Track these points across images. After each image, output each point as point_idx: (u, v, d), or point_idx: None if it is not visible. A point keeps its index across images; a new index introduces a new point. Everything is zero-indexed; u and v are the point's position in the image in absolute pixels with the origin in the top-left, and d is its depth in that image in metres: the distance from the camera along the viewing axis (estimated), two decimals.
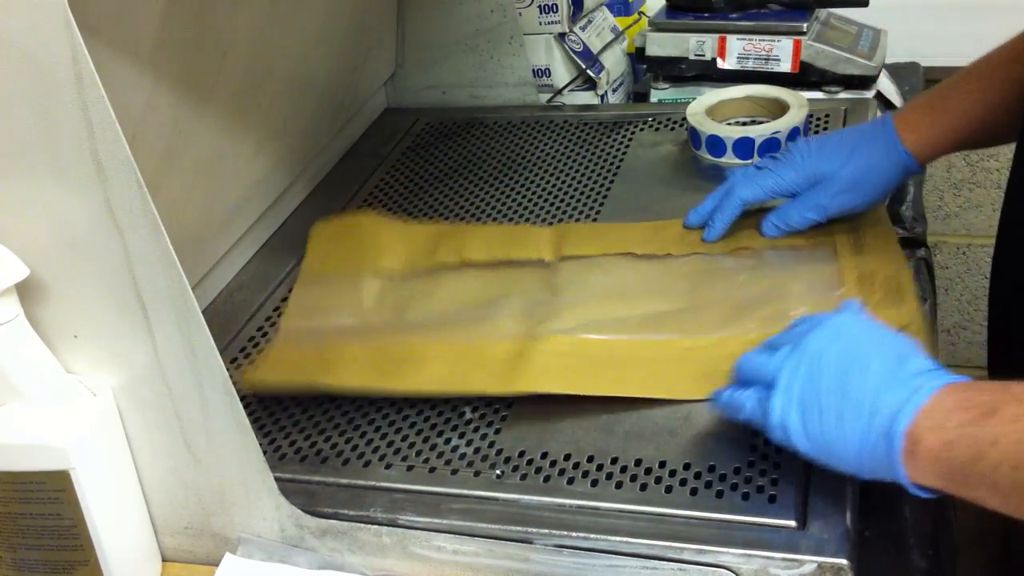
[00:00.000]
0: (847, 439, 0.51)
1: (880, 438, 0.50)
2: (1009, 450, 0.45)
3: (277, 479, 0.58)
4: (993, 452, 0.46)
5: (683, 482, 0.59)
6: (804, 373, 0.53)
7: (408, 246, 0.84)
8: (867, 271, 0.72)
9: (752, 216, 0.79)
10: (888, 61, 1.16)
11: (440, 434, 0.65)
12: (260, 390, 0.69)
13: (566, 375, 0.66)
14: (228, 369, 0.55)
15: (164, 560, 0.64)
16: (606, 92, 1.15)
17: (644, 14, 1.28)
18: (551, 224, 0.88)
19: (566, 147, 1.03)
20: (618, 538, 0.55)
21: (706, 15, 1.14)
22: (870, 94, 1.09)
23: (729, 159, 0.93)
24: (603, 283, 0.76)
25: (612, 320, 0.71)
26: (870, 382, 0.51)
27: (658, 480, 0.59)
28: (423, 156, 1.06)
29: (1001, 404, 0.47)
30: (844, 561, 0.52)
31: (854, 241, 0.76)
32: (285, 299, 0.83)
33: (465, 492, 0.60)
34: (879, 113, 1.07)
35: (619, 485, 0.59)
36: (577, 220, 0.89)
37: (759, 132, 0.91)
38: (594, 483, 0.59)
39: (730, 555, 0.53)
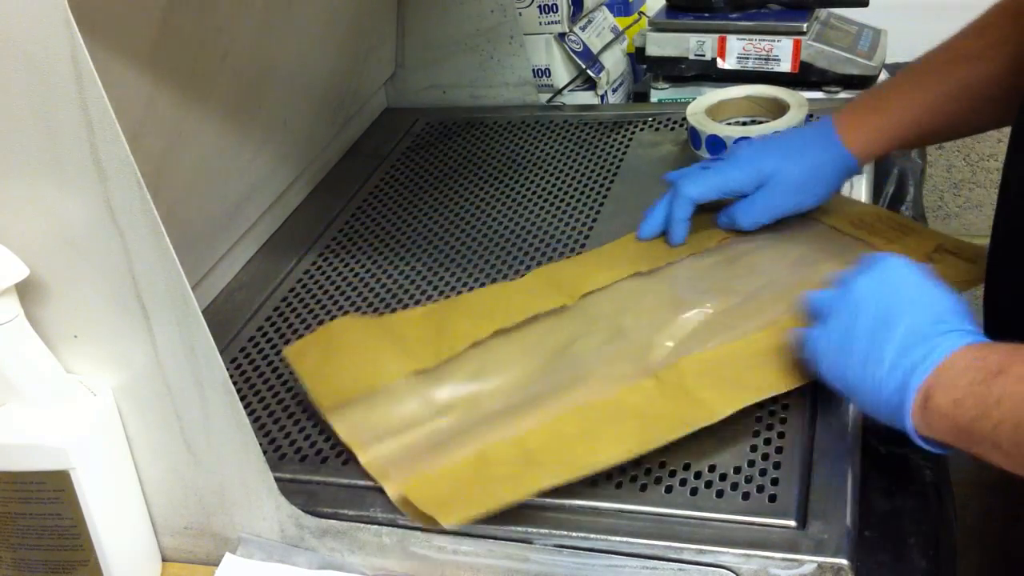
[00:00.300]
0: (867, 385, 0.55)
1: (895, 392, 0.53)
2: (1013, 408, 0.47)
3: (277, 479, 0.58)
4: (996, 411, 0.48)
5: (683, 482, 0.59)
6: (844, 315, 0.57)
7: (415, 338, 0.71)
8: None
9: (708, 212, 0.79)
10: (888, 61, 1.16)
11: None
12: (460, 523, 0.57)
13: (723, 389, 0.63)
14: (228, 369, 0.55)
15: (164, 560, 0.64)
16: (606, 92, 1.15)
17: (644, 14, 1.28)
18: (543, 252, 0.84)
19: (566, 147, 1.03)
20: (618, 538, 0.55)
21: (706, 15, 1.14)
22: None
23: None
24: (641, 305, 0.73)
25: (688, 334, 0.69)
26: (897, 337, 0.54)
27: (658, 480, 0.59)
28: (423, 156, 1.06)
29: (1009, 365, 0.49)
30: (844, 561, 0.52)
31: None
32: (285, 299, 0.83)
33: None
34: None
35: (619, 485, 0.59)
36: (577, 220, 0.89)
37: (759, 132, 0.91)
38: (594, 483, 0.59)
39: (730, 555, 0.53)
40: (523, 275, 0.79)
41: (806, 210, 0.77)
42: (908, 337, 0.54)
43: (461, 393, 0.65)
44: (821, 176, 0.75)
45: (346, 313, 0.80)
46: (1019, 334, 0.60)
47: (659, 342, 0.68)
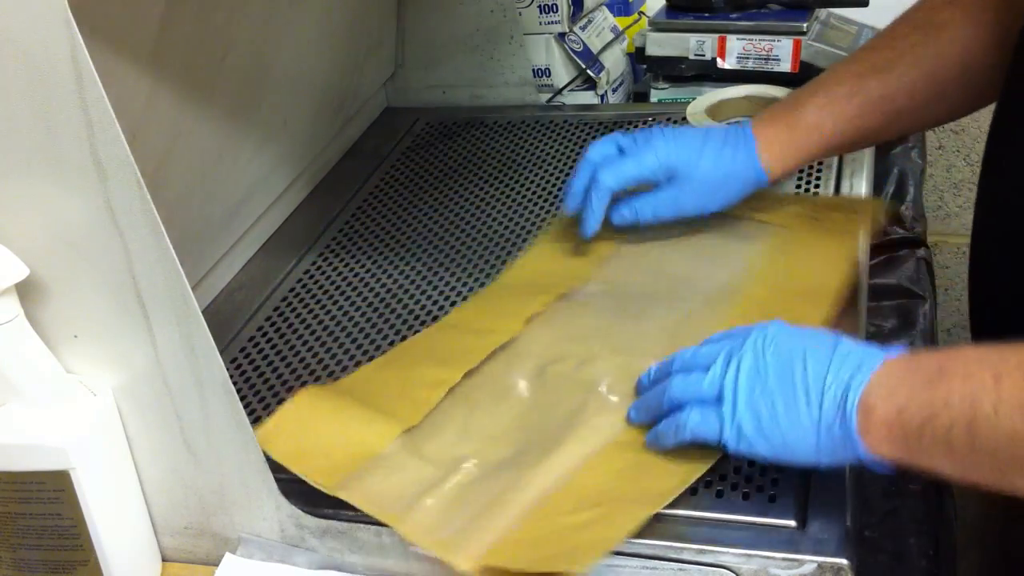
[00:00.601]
0: (803, 428, 0.52)
1: (834, 417, 0.51)
2: (963, 408, 0.46)
3: (277, 479, 0.58)
4: (946, 413, 0.46)
5: None
6: (747, 379, 0.54)
7: (384, 395, 0.67)
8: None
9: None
10: None
11: None
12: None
13: None
14: (228, 369, 0.55)
15: (164, 560, 0.64)
16: (606, 92, 1.15)
17: (644, 14, 1.28)
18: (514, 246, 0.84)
19: (566, 147, 1.03)
20: None
21: (706, 15, 1.14)
22: None
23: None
24: (585, 323, 0.73)
25: (648, 338, 0.69)
26: (813, 370, 0.52)
27: None
28: (423, 156, 1.06)
29: (950, 366, 0.48)
30: (844, 561, 0.52)
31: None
32: (285, 299, 0.83)
33: None
34: None
35: None
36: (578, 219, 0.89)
37: None
38: None
39: (730, 555, 0.53)
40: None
41: (707, 214, 0.77)
42: (825, 366, 0.52)
43: (464, 447, 0.62)
44: (731, 184, 0.75)
45: (345, 314, 0.80)
46: (1005, 326, 0.61)
47: (633, 362, 0.66)
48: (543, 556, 0.53)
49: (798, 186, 0.88)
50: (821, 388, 0.51)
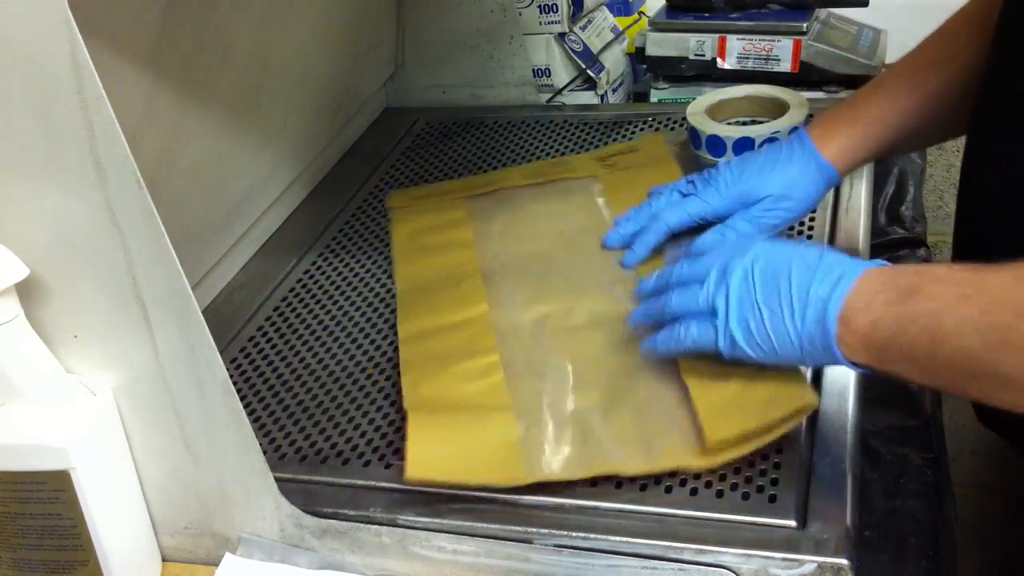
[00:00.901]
0: (788, 337, 0.56)
1: (816, 326, 0.55)
2: (928, 324, 0.50)
3: (277, 479, 0.58)
4: (912, 327, 0.51)
5: (683, 482, 0.59)
6: (736, 294, 0.59)
7: (461, 403, 0.68)
8: None
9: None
10: (888, 61, 1.16)
11: None
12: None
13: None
14: (228, 369, 0.55)
15: (164, 560, 0.64)
16: (606, 92, 1.15)
17: (644, 14, 1.28)
18: None
19: (566, 147, 1.03)
20: (618, 538, 0.55)
21: (706, 15, 1.14)
22: None
23: (729, 159, 0.92)
24: (520, 290, 0.78)
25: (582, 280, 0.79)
26: (798, 280, 0.56)
27: (658, 480, 0.59)
28: (423, 156, 1.06)
29: (921, 284, 0.51)
30: (844, 561, 0.52)
31: None
32: (285, 299, 0.83)
33: (465, 492, 0.60)
34: None
35: (619, 485, 0.59)
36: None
37: (759, 132, 0.91)
38: (594, 483, 0.59)
39: (730, 555, 0.53)
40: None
41: (791, 223, 0.78)
42: (809, 277, 0.56)
43: (564, 396, 0.66)
44: (801, 188, 0.76)
45: (345, 314, 0.80)
46: None
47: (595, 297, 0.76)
48: (756, 411, 0.60)
49: None
50: (804, 300, 0.56)
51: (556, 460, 0.61)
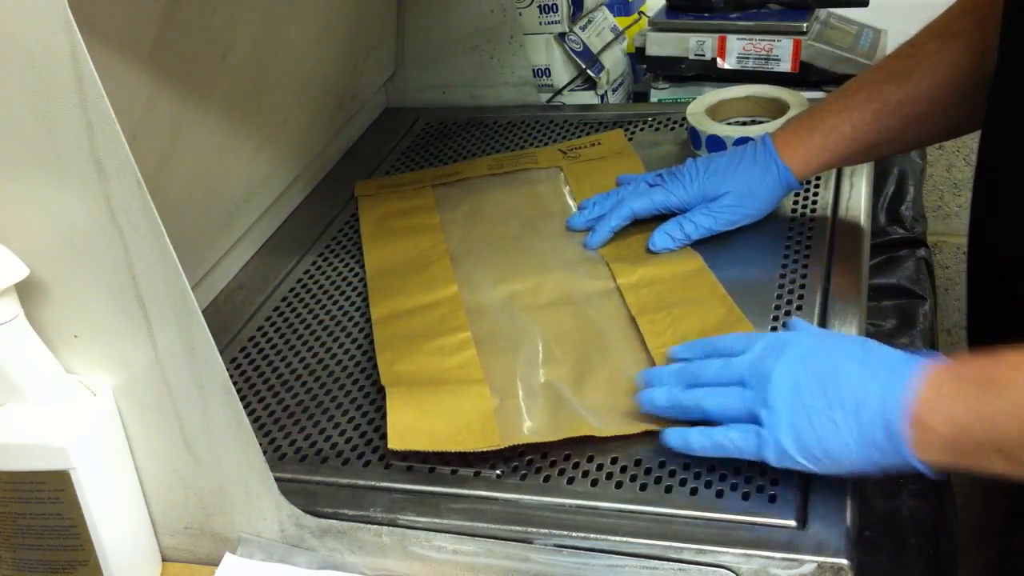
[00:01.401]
0: (844, 442, 0.52)
1: (876, 430, 0.51)
2: (1017, 413, 0.48)
3: (277, 479, 0.58)
4: (1000, 418, 0.48)
5: (683, 482, 0.59)
6: (782, 398, 0.55)
7: (437, 377, 0.70)
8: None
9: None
10: None
11: None
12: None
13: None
14: (228, 369, 0.55)
15: (164, 560, 0.64)
16: (606, 92, 1.15)
17: (644, 14, 1.28)
18: None
19: None
20: (618, 538, 0.55)
21: (706, 15, 1.14)
22: None
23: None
24: (487, 269, 0.82)
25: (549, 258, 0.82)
26: (850, 381, 0.53)
27: (658, 480, 0.59)
28: (423, 156, 1.06)
29: (998, 373, 0.49)
30: (844, 561, 0.52)
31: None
32: (285, 299, 0.84)
33: (465, 492, 0.60)
34: None
35: (619, 485, 0.59)
36: None
37: (759, 132, 0.91)
38: (594, 483, 0.59)
39: (730, 555, 0.53)
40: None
41: (749, 222, 0.80)
42: (861, 376, 0.53)
43: (534, 370, 0.69)
44: (761, 191, 0.78)
45: (345, 313, 0.80)
46: (1000, 327, 0.61)
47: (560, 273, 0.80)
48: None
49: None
50: (857, 402, 0.52)
51: (531, 425, 0.63)
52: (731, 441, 0.56)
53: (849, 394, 0.52)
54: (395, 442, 0.62)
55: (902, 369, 0.52)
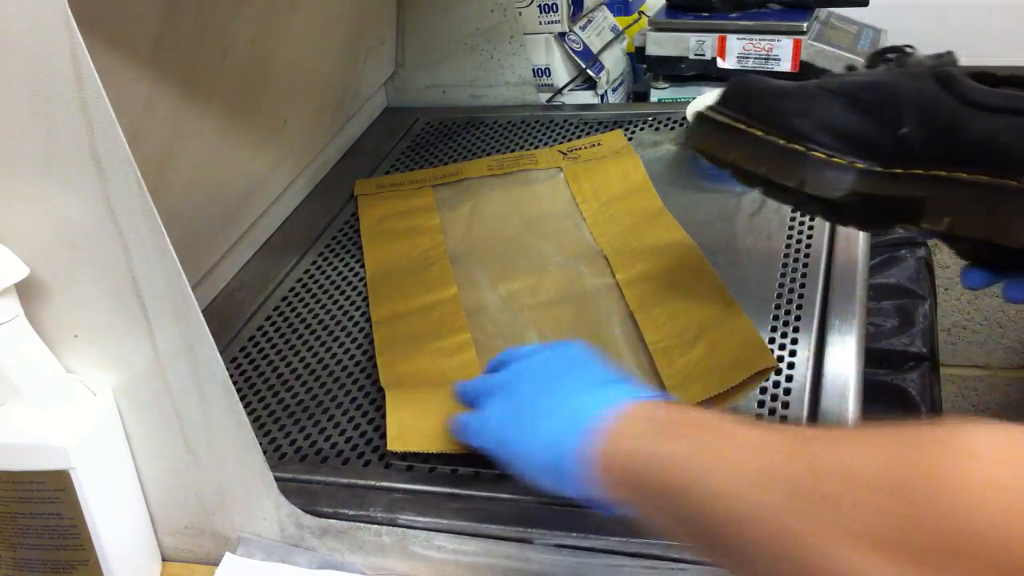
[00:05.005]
0: (532, 461, 0.51)
1: (555, 456, 0.49)
2: (675, 472, 0.42)
3: (277, 479, 0.58)
4: (664, 472, 0.43)
5: None
6: (500, 404, 0.55)
7: (437, 379, 0.71)
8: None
9: None
10: None
11: None
12: None
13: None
14: (228, 369, 0.55)
15: (164, 560, 0.64)
16: (606, 92, 1.15)
17: (644, 14, 1.28)
18: None
19: None
20: (618, 538, 0.55)
21: (706, 15, 1.14)
22: None
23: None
24: (486, 270, 0.82)
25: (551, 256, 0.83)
26: (560, 395, 0.52)
27: None
28: (423, 155, 1.06)
29: (676, 426, 0.45)
30: None
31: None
32: (285, 299, 0.84)
33: (465, 492, 0.60)
34: None
35: None
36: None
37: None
38: None
39: None
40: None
41: None
42: (569, 395, 0.51)
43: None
44: None
45: (346, 313, 0.80)
46: None
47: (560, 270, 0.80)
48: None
49: None
50: (550, 431, 0.50)
51: None
52: (463, 425, 0.57)
53: (544, 420, 0.51)
54: (394, 443, 0.63)
55: (601, 402, 0.48)
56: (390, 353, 0.73)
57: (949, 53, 0.58)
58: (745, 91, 0.62)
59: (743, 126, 0.60)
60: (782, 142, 0.58)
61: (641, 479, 0.44)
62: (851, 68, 0.63)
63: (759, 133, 0.59)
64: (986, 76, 0.55)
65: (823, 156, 0.57)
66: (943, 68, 0.55)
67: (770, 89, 0.61)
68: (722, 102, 0.63)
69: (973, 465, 0.32)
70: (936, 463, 0.32)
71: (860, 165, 0.57)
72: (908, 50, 0.59)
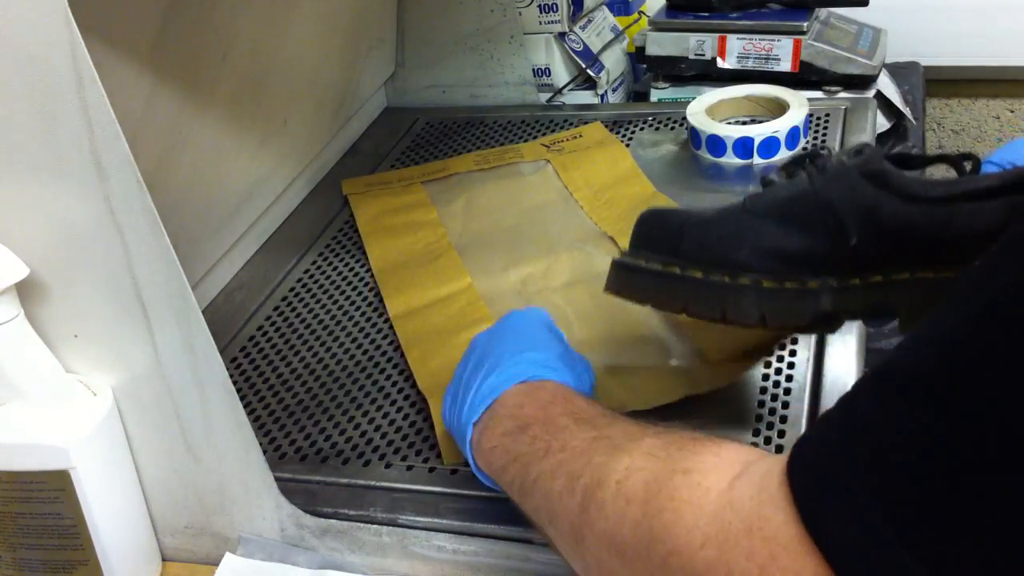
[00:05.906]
0: (455, 429, 0.56)
1: (462, 430, 0.54)
2: (519, 467, 0.49)
3: (277, 479, 0.58)
4: (513, 463, 0.49)
5: None
6: (456, 374, 0.58)
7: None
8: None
9: None
10: (888, 61, 1.16)
11: None
12: None
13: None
14: (228, 369, 0.55)
15: (164, 560, 0.64)
16: (606, 91, 1.15)
17: (644, 13, 1.28)
18: None
19: None
20: None
21: (706, 15, 1.14)
22: (870, 93, 1.09)
23: (729, 159, 0.93)
24: (492, 259, 0.83)
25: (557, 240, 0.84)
26: (467, 380, 0.55)
27: None
28: (423, 155, 1.06)
29: (532, 422, 0.50)
30: None
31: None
32: (285, 299, 0.84)
33: (465, 492, 0.60)
34: (879, 112, 1.07)
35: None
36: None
37: (759, 132, 0.91)
38: None
39: None
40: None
41: None
42: (475, 377, 0.55)
43: None
44: None
45: (345, 313, 0.80)
46: None
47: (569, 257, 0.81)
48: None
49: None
50: (460, 416, 0.55)
51: None
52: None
53: (473, 384, 0.54)
54: (449, 456, 0.63)
55: (500, 385, 0.53)
56: (418, 350, 0.73)
57: (867, 145, 0.55)
58: (663, 227, 0.57)
59: (676, 269, 0.55)
60: (727, 280, 0.54)
61: (502, 472, 0.51)
62: (767, 182, 0.57)
63: (698, 275, 0.55)
64: (906, 159, 0.54)
65: (775, 285, 0.53)
66: (871, 167, 0.52)
67: (689, 221, 0.56)
68: (644, 244, 0.57)
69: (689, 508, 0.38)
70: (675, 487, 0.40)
71: (813, 284, 0.53)
72: (823, 152, 0.55)
